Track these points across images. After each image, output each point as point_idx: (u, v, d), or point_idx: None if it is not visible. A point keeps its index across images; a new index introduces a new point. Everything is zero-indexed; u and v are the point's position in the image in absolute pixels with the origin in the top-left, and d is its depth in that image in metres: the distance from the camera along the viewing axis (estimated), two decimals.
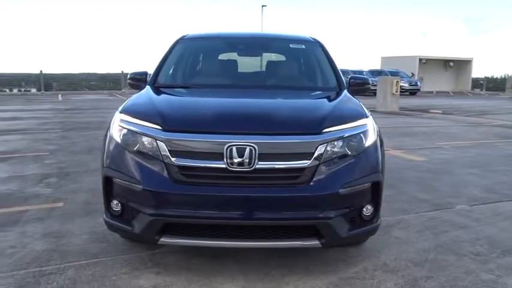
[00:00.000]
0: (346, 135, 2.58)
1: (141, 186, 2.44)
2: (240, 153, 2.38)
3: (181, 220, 2.45)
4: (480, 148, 7.78)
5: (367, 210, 2.64)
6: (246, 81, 3.64)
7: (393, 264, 2.93)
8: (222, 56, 3.92)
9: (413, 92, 27.73)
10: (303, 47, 3.88)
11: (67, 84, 27.22)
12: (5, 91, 25.13)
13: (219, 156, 2.39)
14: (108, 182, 2.62)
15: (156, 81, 3.46)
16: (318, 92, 3.36)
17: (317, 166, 2.45)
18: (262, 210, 2.41)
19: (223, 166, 2.39)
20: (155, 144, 2.47)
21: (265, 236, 2.47)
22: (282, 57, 4.00)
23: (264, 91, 3.30)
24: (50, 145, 7.34)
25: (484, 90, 35.46)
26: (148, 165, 2.48)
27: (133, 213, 2.53)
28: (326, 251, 3.03)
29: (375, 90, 15.89)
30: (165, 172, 2.43)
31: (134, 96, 3.10)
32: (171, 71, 3.63)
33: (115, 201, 2.61)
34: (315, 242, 2.48)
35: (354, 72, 27.08)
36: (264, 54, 3.96)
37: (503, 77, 39.03)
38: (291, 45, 3.90)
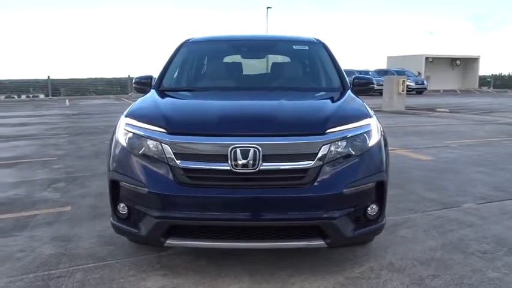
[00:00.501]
0: (350, 135, 2.59)
1: (146, 189, 2.48)
2: (244, 155, 2.40)
3: (187, 222, 2.47)
4: (487, 146, 7.73)
5: (372, 209, 2.65)
6: (250, 83, 3.67)
7: (399, 264, 2.93)
8: (226, 59, 3.95)
9: (420, 91, 27.60)
10: (307, 48, 3.89)
11: (75, 89, 27.47)
12: (14, 97, 25.42)
13: (223, 158, 2.42)
14: (114, 185, 2.65)
15: (161, 85, 3.50)
16: (321, 93, 3.38)
17: (321, 166, 2.47)
18: (266, 211, 2.43)
19: (228, 168, 2.41)
20: (160, 147, 2.51)
21: (270, 236, 2.49)
22: (285, 59, 4.01)
23: (268, 93, 3.32)
24: (58, 150, 7.42)
25: (491, 88, 35.19)
26: (154, 168, 2.51)
27: (139, 215, 2.56)
28: (332, 250, 3.04)
29: (381, 90, 15.88)
30: (170, 175, 2.46)
31: (139, 100, 3.14)
32: (175, 75, 3.67)
33: (121, 204, 2.65)
34: (320, 242, 2.49)
35: (360, 72, 27.05)
36: (268, 56, 3.98)
37: (511, 74, 38.73)
38: (294, 47, 3.92)
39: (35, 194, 4.68)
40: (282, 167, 2.44)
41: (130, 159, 2.60)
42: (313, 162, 2.45)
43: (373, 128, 2.73)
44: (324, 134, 2.52)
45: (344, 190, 2.48)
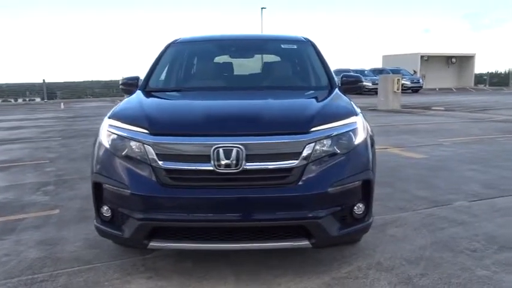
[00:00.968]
0: (335, 133, 2.56)
1: (129, 191, 2.44)
2: (227, 155, 2.36)
3: (170, 224, 2.43)
4: (481, 144, 7.71)
5: (359, 208, 2.62)
6: (238, 83, 3.64)
7: (388, 263, 2.90)
8: (214, 59, 3.92)
9: (415, 90, 27.63)
10: (295, 47, 3.87)
11: (71, 92, 27.36)
12: (11, 101, 25.35)
13: (206, 159, 2.38)
14: (97, 187, 2.62)
15: (147, 86, 3.46)
16: (308, 92, 3.34)
17: (305, 165, 2.43)
18: (250, 211, 2.39)
19: (211, 168, 2.37)
20: (143, 148, 2.47)
21: (254, 237, 2.45)
22: (273, 58, 3.99)
23: (255, 92, 3.29)
24: (50, 153, 7.36)
25: (487, 86, 35.26)
26: (137, 170, 2.47)
27: (122, 218, 2.52)
28: (320, 250, 3.01)
29: (377, 89, 15.88)
30: (153, 176, 2.42)
31: (124, 101, 3.10)
32: (162, 75, 3.63)
33: (105, 207, 2.61)
34: (305, 243, 2.45)
35: (356, 71, 27.06)
36: (255, 55, 3.95)
37: (507, 71, 38.80)
38: (282, 46, 3.90)
39: (25, 197, 4.63)
40: (265, 167, 2.41)
41: (113, 161, 2.56)
42: (298, 161, 2.42)
43: (359, 126, 2.69)
44: (308, 132, 2.48)
45: (329, 189, 2.45)
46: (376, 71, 27.10)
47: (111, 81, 30.04)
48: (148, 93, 3.28)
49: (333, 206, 2.50)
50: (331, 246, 2.84)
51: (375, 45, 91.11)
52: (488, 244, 3.21)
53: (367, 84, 24.92)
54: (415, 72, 30.87)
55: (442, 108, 15.73)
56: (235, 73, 3.75)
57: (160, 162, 2.42)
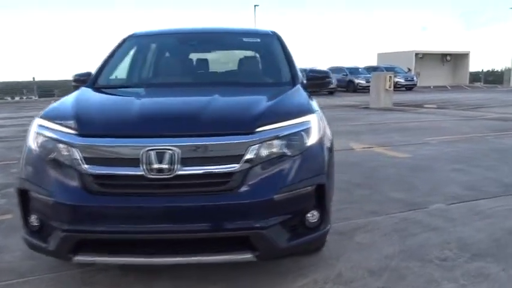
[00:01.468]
0: (285, 133, 2.31)
1: (53, 199, 2.18)
2: (159, 159, 2.11)
3: (97, 236, 2.18)
4: (469, 142, 7.47)
5: (312, 216, 2.37)
6: (191, 79, 3.39)
7: (348, 275, 2.65)
8: (169, 53, 3.66)
9: (409, 88, 27.37)
10: (258, 40, 3.62)
11: (66, 90, 27.08)
12: (7, 99, 25.20)
13: (135, 163, 2.13)
14: (23, 194, 2.36)
15: (96, 82, 3.20)
16: (265, 88, 3.09)
17: (248, 170, 2.19)
18: (184, 222, 2.14)
19: (141, 173, 2.12)
20: (70, 151, 2.21)
21: (191, 250, 2.20)
22: (233, 53, 3.74)
23: (206, 89, 3.03)
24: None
25: (482, 84, 35.03)
26: (63, 176, 2.22)
27: (49, 229, 2.27)
28: (278, 262, 2.75)
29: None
30: (79, 182, 2.17)
31: (61, 99, 2.84)
32: (115, 71, 3.37)
33: (32, 216, 2.35)
34: (247, 256, 2.20)
35: (350, 69, 26.82)
36: (214, 50, 3.70)
37: (503, 69, 38.61)
38: (244, 40, 3.65)
39: None
40: (202, 172, 2.16)
41: (40, 166, 2.31)
42: (239, 165, 2.17)
43: (313, 126, 2.44)
44: (252, 133, 2.23)
45: (275, 196, 2.20)
46: (371, 69, 26.83)
47: None
48: (96, 90, 3.03)
49: (281, 214, 2.25)
50: (279, 258, 2.59)
51: (371, 43, 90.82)
52: (460, 252, 2.97)
53: (361, 82, 24.71)
54: (409, 70, 30.59)
55: (435, 106, 15.49)
56: (191, 69, 3.51)
57: (86, 167, 2.16)
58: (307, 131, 2.39)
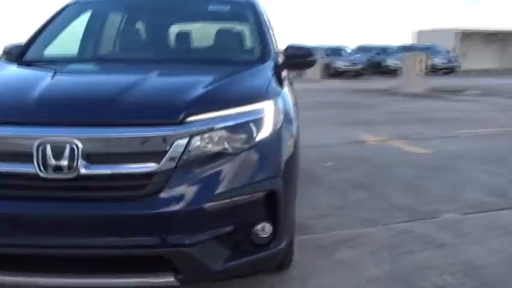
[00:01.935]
0: (225, 124, 2.01)
1: None
2: (57, 154, 1.84)
3: None
4: (506, 137, 6.97)
5: (263, 230, 2.07)
6: (137, 54, 3.12)
7: None
8: (118, 22, 3.39)
9: (449, 71, 26.34)
10: (226, 9, 3.31)
11: None
12: None
13: (27, 158, 1.85)
14: None
15: (25, 55, 2.94)
16: (221, 67, 2.76)
17: (172, 170, 1.89)
18: (89, 234, 1.88)
19: (33, 171, 1.85)
20: None
21: (98, 270, 1.93)
22: (194, 24, 3.44)
23: (145, 66, 2.72)
24: None
25: None
26: None
27: None
28: (231, 282, 2.46)
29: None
30: None
31: None
32: (50, 42, 3.10)
33: None
34: (168, 279, 1.92)
35: (380, 48, 26.01)
36: (171, 19, 3.40)
37: None
38: (209, 8, 3.35)
39: None
40: (112, 172, 1.87)
41: None
42: (161, 164, 1.88)
43: (268, 115, 2.13)
44: (179, 123, 1.94)
45: (207, 204, 1.90)
46: (406, 49, 25.97)
47: None
48: (19, 66, 2.78)
49: (217, 227, 1.96)
50: (213, 281, 2.29)
51: (409, 19, 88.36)
52: (465, 278, 2.62)
53: (391, 63, 23.86)
54: (451, 50, 29.52)
55: (477, 92, 14.79)
56: (137, 41, 3.25)
57: None
58: (257, 121, 2.08)
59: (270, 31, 3.12)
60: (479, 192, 4.23)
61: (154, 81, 2.28)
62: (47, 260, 1.95)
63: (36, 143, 1.84)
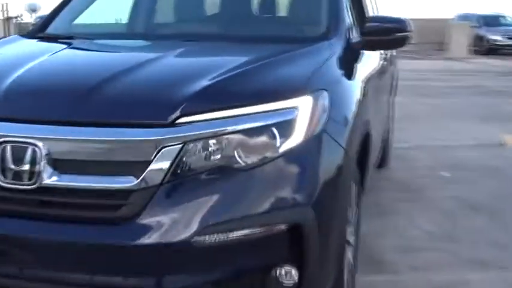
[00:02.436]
0: (235, 128, 1.65)
1: None
2: (18, 157, 1.63)
3: None
4: None
5: (283, 276, 1.69)
6: (166, 30, 3.05)
7: None
8: None
9: None
10: None
11: None
12: None
13: None
14: None
15: (46, 29, 2.84)
16: (266, 47, 2.37)
17: (157, 188, 1.58)
18: (47, 265, 1.65)
19: None
20: None
21: None
22: None
23: (169, 46, 2.45)
24: None
25: None
26: None
27: None
28: None
29: None
30: None
31: None
32: (77, 13, 3.03)
33: None
34: None
35: (484, 18, 22.35)
36: None
37: None
38: None
39: None
40: (79, 186, 1.62)
41: None
42: (141, 178, 1.58)
43: (302, 115, 1.71)
44: (171, 124, 1.62)
45: (196, 238, 1.56)
46: None
47: None
48: (31, 40, 2.68)
49: (216, 269, 1.63)
50: None
51: None
52: None
53: (497, 38, 20.53)
54: None
55: None
56: (178, 14, 3.18)
57: None
58: (284, 124, 1.67)
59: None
60: None
61: (154, 68, 1.99)
62: None
63: None
